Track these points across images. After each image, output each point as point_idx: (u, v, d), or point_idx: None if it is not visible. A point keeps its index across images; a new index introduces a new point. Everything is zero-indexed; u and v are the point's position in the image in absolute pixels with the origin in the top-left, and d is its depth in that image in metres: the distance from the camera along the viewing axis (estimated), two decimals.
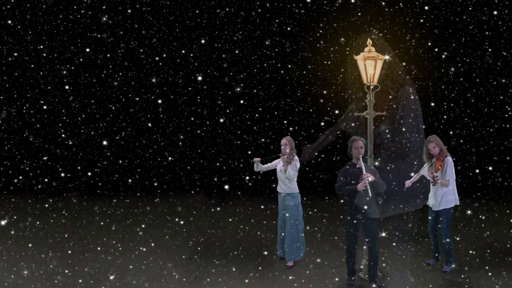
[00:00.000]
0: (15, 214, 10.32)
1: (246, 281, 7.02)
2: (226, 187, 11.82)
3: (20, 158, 12.92)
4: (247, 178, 11.83)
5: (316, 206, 10.58)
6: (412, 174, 7.26)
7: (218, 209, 10.69)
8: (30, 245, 8.49)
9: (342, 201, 6.77)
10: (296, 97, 12.49)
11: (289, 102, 12.52)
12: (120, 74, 12.76)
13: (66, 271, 7.34)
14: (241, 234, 9.13)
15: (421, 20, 11.65)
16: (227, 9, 12.20)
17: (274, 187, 7.87)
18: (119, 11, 12.46)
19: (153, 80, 12.62)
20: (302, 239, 7.66)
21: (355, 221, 6.63)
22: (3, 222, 9.75)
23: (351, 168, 6.67)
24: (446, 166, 6.99)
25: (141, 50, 12.64)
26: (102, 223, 9.74)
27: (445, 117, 11.92)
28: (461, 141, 11.95)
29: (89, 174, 12.70)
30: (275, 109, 12.62)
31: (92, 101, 12.91)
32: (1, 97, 12.84)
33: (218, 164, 12.72)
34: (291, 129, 12.08)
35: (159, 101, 12.77)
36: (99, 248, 8.37)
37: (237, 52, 12.47)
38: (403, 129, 8.22)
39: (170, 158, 12.75)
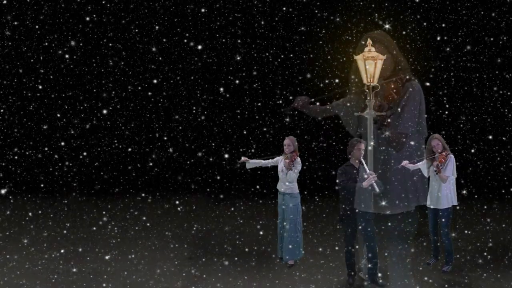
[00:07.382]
0: (15, 210, 10.29)
1: (246, 280, 7.01)
2: (225, 185, 11.79)
3: (19, 153, 12.86)
4: (247, 175, 11.77)
5: (315, 205, 10.56)
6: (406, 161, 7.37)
7: (218, 208, 10.66)
8: (25, 241, 8.48)
9: (339, 199, 6.82)
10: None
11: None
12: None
13: (65, 269, 7.32)
14: (240, 233, 9.11)
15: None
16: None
17: (274, 185, 7.83)
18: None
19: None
20: (301, 238, 7.64)
21: (352, 220, 6.66)
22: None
23: (350, 169, 6.76)
24: (447, 163, 7.03)
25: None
26: (100, 222, 9.70)
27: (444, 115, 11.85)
28: (460, 137, 11.90)
29: (90, 171, 12.64)
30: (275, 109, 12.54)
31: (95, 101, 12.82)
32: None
33: (217, 162, 12.66)
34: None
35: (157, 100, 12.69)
36: (98, 247, 8.35)
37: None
38: (404, 118, 8.01)
39: (169, 155, 12.68)
